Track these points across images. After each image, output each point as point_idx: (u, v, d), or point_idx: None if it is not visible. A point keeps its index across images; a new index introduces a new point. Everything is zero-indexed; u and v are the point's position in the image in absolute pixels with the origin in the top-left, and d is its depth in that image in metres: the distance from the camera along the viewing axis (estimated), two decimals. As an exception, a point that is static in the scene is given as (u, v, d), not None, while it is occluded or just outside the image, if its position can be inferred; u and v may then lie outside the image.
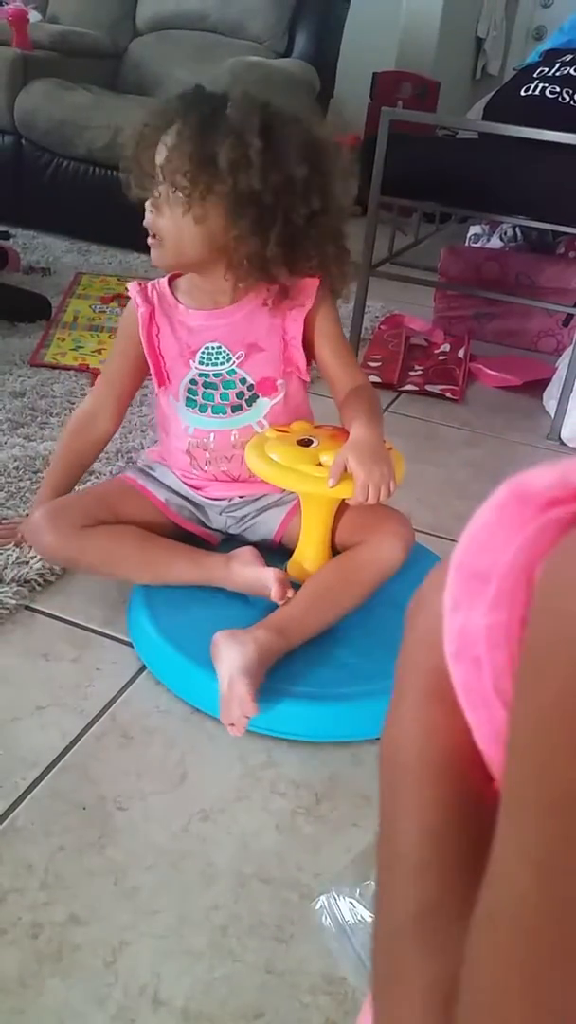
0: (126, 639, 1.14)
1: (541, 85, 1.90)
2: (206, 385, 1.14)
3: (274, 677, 1.02)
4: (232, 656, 0.98)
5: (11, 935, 0.78)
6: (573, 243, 2.61)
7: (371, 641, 1.10)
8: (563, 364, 1.95)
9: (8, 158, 2.96)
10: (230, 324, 1.13)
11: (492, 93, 2.11)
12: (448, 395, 2.08)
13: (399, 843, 0.29)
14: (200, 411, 1.15)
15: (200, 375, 1.14)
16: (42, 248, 2.80)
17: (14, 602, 1.18)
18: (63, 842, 0.87)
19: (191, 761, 0.98)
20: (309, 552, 1.13)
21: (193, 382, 1.14)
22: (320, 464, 1.05)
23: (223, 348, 1.13)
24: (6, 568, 1.22)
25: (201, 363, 1.14)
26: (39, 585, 1.22)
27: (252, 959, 0.78)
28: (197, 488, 1.20)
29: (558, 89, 1.87)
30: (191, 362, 1.14)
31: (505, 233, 2.70)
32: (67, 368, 1.94)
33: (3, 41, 3.00)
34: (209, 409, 1.15)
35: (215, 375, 1.13)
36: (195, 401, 1.15)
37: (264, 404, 1.16)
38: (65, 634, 1.15)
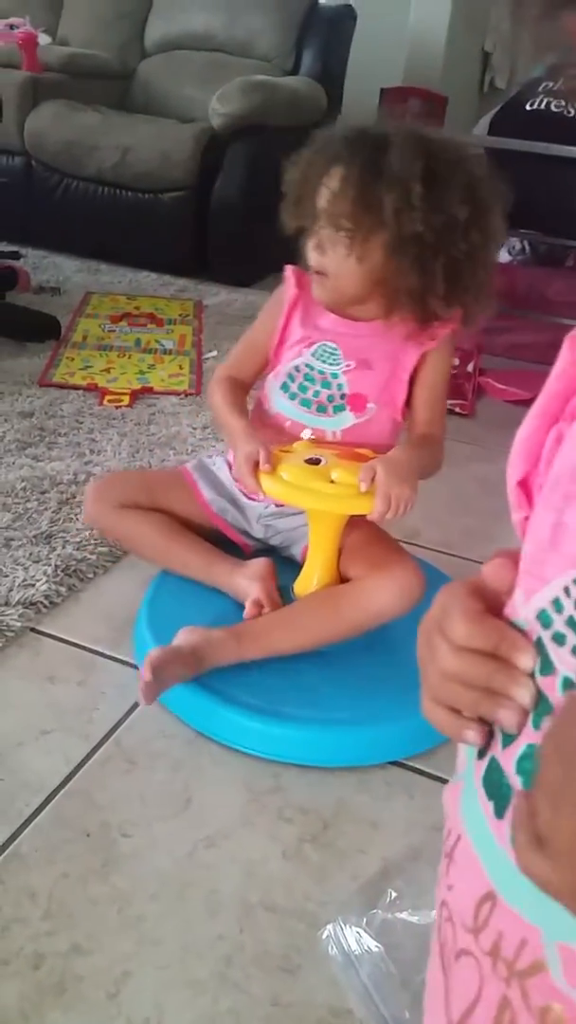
0: (132, 662, 1.14)
1: (546, 99, 1.90)
2: (307, 377, 1.17)
3: (276, 700, 1.01)
4: (179, 637, 1.04)
5: (13, 966, 0.77)
6: (580, 255, 2.60)
7: (379, 666, 1.09)
8: (573, 378, 1.93)
9: (18, 179, 2.99)
10: (355, 336, 1.15)
11: (497, 108, 2.10)
12: (457, 410, 2.07)
13: None
14: (290, 398, 1.17)
15: (307, 365, 1.17)
16: (52, 268, 2.82)
17: (19, 624, 1.17)
18: (66, 870, 0.86)
19: (196, 786, 0.97)
20: (314, 571, 1.13)
21: (297, 368, 1.17)
22: (332, 481, 1.04)
23: (338, 351, 1.16)
24: (12, 590, 1.22)
25: (314, 355, 1.16)
26: (45, 607, 1.22)
27: (257, 991, 0.77)
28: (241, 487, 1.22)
29: (563, 103, 1.87)
30: (304, 351, 1.17)
31: (514, 247, 2.69)
32: (76, 388, 1.95)
33: (14, 64, 3.04)
34: (298, 400, 1.17)
35: (319, 371, 1.16)
36: (289, 386, 1.18)
37: (347, 418, 1.16)
38: (71, 657, 1.15)
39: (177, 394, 1.96)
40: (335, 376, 1.16)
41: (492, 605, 0.38)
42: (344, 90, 3.36)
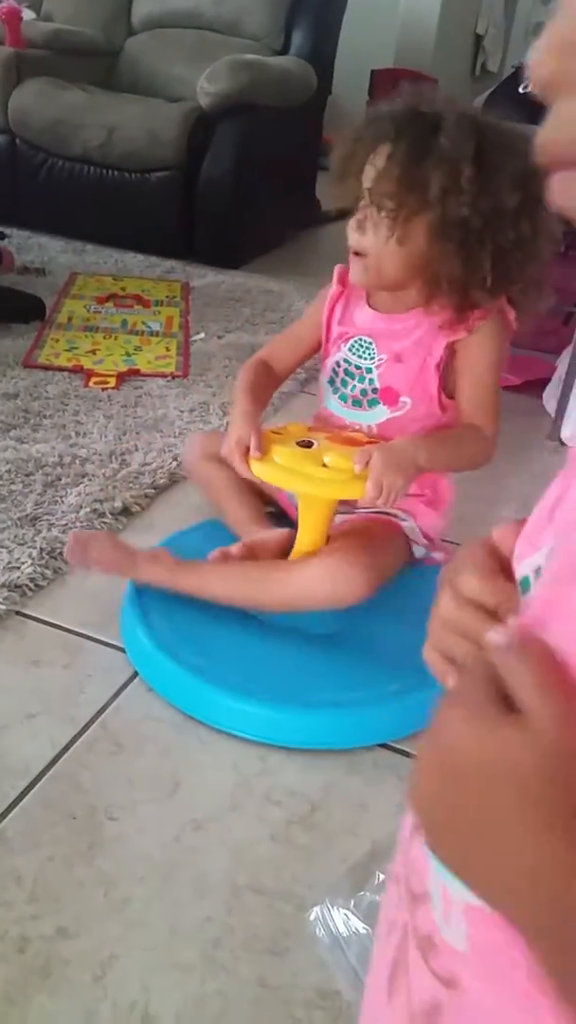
0: (119, 644, 1.13)
1: (538, 81, 1.88)
2: (347, 372, 1.18)
3: (263, 682, 1.01)
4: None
5: (-2, 950, 0.76)
6: (574, 242, 2.59)
7: (367, 649, 1.08)
8: (563, 363, 1.93)
9: (2, 158, 2.94)
10: (389, 329, 1.14)
11: (489, 90, 2.09)
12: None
13: None
14: (334, 392, 1.19)
15: (345, 360, 1.18)
16: (37, 248, 2.78)
17: (4, 607, 1.16)
18: (52, 853, 0.85)
19: (184, 769, 0.96)
20: (301, 550, 1.11)
21: (338, 364, 1.18)
22: (324, 465, 1.03)
23: (373, 345, 1.15)
24: (-3, 572, 1.21)
25: (350, 350, 1.17)
26: (30, 590, 1.21)
27: (245, 973, 0.77)
28: None
29: (556, 85, 1.85)
30: (343, 346, 1.18)
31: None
32: (61, 369, 1.92)
33: (-3, 40, 2.99)
34: (339, 395, 1.19)
35: (356, 366, 1.17)
36: (334, 382, 1.19)
37: (381, 412, 1.16)
38: (56, 640, 1.14)
39: (164, 376, 1.94)
40: (369, 371, 1.16)
41: (506, 567, 0.38)
42: (334, 71, 3.32)
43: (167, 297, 2.45)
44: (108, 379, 1.89)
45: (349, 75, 3.63)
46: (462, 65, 4.76)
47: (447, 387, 1.13)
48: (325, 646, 1.08)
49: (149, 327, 2.21)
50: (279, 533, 1.17)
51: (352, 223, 1.07)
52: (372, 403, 1.16)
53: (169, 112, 2.82)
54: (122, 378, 1.91)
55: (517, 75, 2.05)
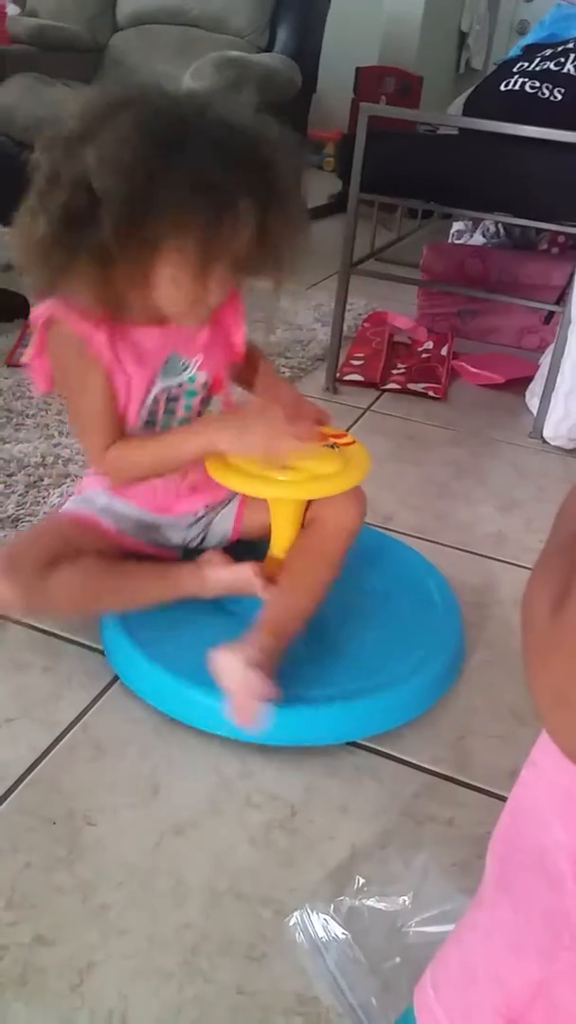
0: (99, 647, 1.12)
1: (521, 80, 1.88)
2: (169, 399, 1.05)
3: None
4: (234, 661, 0.93)
5: (-25, 958, 0.76)
6: (555, 240, 2.60)
7: (337, 649, 1.09)
8: (545, 362, 1.93)
9: (-14, 154, 2.92)
10: (178, 334, 1.02)
11: (472, 88, 2.08)
12: (431, 393, 2.06)
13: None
14: (161, 429, 1.06)
15: (162, 391, 1.04)
16: (21, 246, 2.76)
17: (-16, 610, 1.15)
18: (30, 859, 0.85)
19: (164, 773, 0.96)
20: (283, 548, 1.11)
21: (155, 401, 1.04)
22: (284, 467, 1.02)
23: (179, 358, 1.04)
24: (-23, 575, 1.20)
25: (163, 378, 1.03)
26: (11, 592, 1.20)
27: (224, 979, 0.76)
28: (165, 510, 1.14)
29: (537, 84, 1.85)
30: (155, 380, 1.03)
31: (488, 229, 2.68)
32: (44, 368, 1.91)
33: (-20, 35, 2.96)
34: (174, 423, 1.07)
35: (177, 385, 1.05)
36: (155, 422, 1.06)
37: (216, 402, 1.13)
38: (36, 643, 1.13)
39: (148, 376, 1.93)
40: (192, 380, 1.06)
41: None
42: (319, 68, 3.32)
43: (151, 295, 2.44)
44: (91, 379, 1.88)
45: (334, 72, 3.62)
46: (446, 62, 4.77)
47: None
48: (297, 645, 1.08)
49: (133, 326, 2.20)
50: (216, 552, 1.12)
51: (214, 284, 0.94)
52: (207, 402, 1.11)
53: (153, 109, 2.80)
54: (105, 378, 1.89)
55: (500, 72, 2.04)
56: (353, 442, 1.09)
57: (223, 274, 0.93)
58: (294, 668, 1.03)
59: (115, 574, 1.08)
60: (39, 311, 0.98)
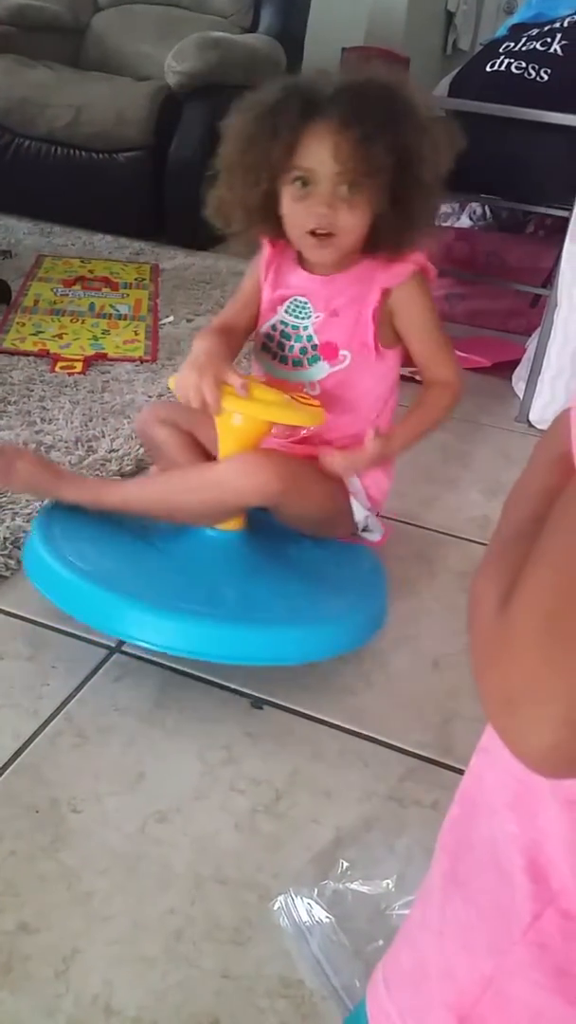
0: (83, 635, 1.12)
1: (507, 60, 1.86)
2: (283, 335, 1.18)
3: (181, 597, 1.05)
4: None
5: (-42, 946, 0.76)
6: (542, 222, 2.58)
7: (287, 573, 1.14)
8: (532, 345, 1.93)
9: (-33, 137, 2.88)
10: (324, 288, 1.16)
11: (457, 69, 2.06)
12: (418, 378, 2.05)
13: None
14: (271, 357, 1.20)
15: (281, 323, 1.18)
16: (3, 230, 2.73)
17: (-33, 598, 1.14)
18: (14, 847, 0.85)
19: (148, 760, 0.96)
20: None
21: (273, 327, 1.19)
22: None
23: (308, 305, 1.17)
24: (-41, 563, 1.19)
25: (287, 312, 1.18)
26: (-7, 580, 1.19)
27: (208, 964, 0.77)
28: None
29: (523, 64, 1.83)
30: (279, 308, 1.18)
31: (475, 212, 2.67)
32: (26, 354, 1.89)
33: (-41, 16, 2.92)
34: (277, 358, 1.19)
35: (292, 327, 1.17)
36: (269, 346, 1.20)
37: (322, 368, 1.18)
38: (20, 631, 1.12)
39: (132, 361, 1.92)
40: (306, 329, 1.17)
41: None
42: (304, 49, 3.28)
43: (136, 279, 2.42)
44: (75, 364, 1.86)
45: (319, 53, 3.57)
46: (433, 43, 4.72)
47: (382, 337, 1.17)
48: (224, 571, 1.12)
49: (117, 310, 2.19)
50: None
51: (319, 204, 1.06)
52: (312, 360, 1.18)
53: (137, 91, 2.77)
54: (89, 363, 1.88)
55: (486, 52, 2.02)
56: (319, 406, 1.14)
57: (321, 196, 1.05)
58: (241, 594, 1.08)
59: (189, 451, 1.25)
60: None
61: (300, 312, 1.17)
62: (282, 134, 1.04)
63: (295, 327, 1.18)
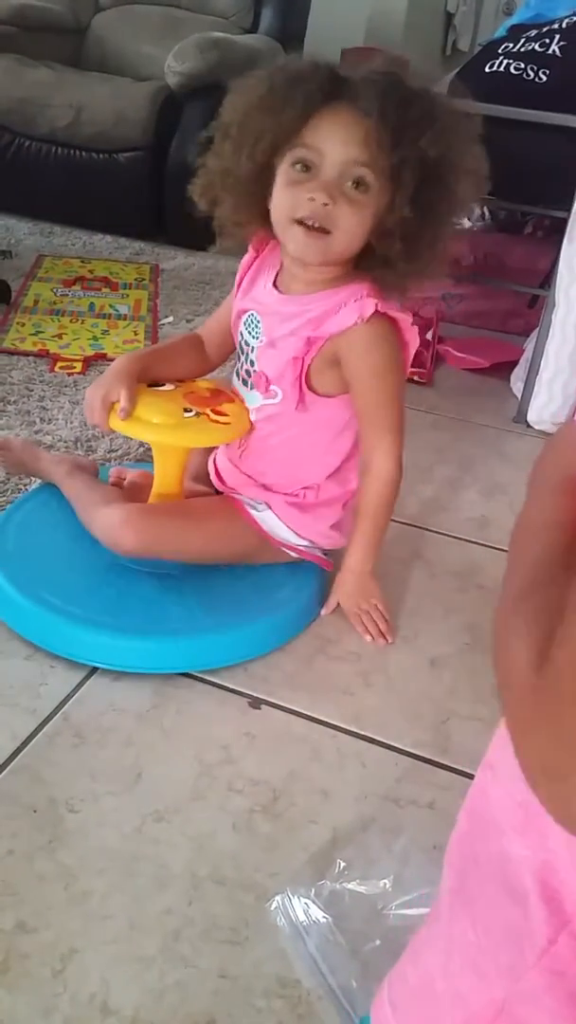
0: (81, 635, 1.12)
1: (506, 61, 1.86)
2: (240, 349, 1.15)
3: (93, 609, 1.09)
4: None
5: (-44, 946, 0.76)
6: (540, 223, 2.58)
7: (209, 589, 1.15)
8: (530, 346, 1.93)
9: (-33, 137, 2.88)
10: (278, 311, 1.07)
11: (457, 69, 2.06)
12: (416, 378, 2.06)
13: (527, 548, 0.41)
14: (235, 370, 1.18)
15: (240, 336, 1.14)
16: (3, 230, 2.73)
17: (-34, 598, 1.14)
18: (12, 846, 0.85)
19: (146, 760, 0.96)
20: (156, 496, 1.17)
21: (240, 335, 1.14)
22: (186, 410, 1.08)
23: (260, 325, 1.09)
24: (-42, 563, 1.19)
25: (245, 325, 1.12)
26: (-8, 580, 1.19)
27: (205, 964, 0.77)
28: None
29: (522, 65, 1.84)
30: (240, 320, 1.13)
31: (472, 212, 2.67)
32: (26, 354, 1.89)
33: (-41, 16, 2.92)
34: (237, 371, 1.16)
35: (246, 342, 1.12)
36: (238, 357, 1.16)
37: (255, 397, 1.12)
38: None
39: (131, 361, 1.92)
40: (253, 350, 1.10)
41: None
42: (304, 50, 3.28)
43: (136, 280, 2.42)
44: (74, 364, 1.86)
45: (319, 54, 3.58)
46: (433, 43, 4.72)
47: (320, 383, 1.07)
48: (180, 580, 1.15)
49: (117, 310, 2.19)
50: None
51: (318, 190, 0.93)
52: (251, 385, 1.12)
53: (137, 92, 2.77)
54: (89, 363, 1.88)
55: (485, 53, 2.02)
56: (228, 423, 1.09)
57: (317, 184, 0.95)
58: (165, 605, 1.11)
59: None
60: None
61: (253, 330, 1.09)
62: (297, 101, 0.92)
63: (248, 343, 1.11)
